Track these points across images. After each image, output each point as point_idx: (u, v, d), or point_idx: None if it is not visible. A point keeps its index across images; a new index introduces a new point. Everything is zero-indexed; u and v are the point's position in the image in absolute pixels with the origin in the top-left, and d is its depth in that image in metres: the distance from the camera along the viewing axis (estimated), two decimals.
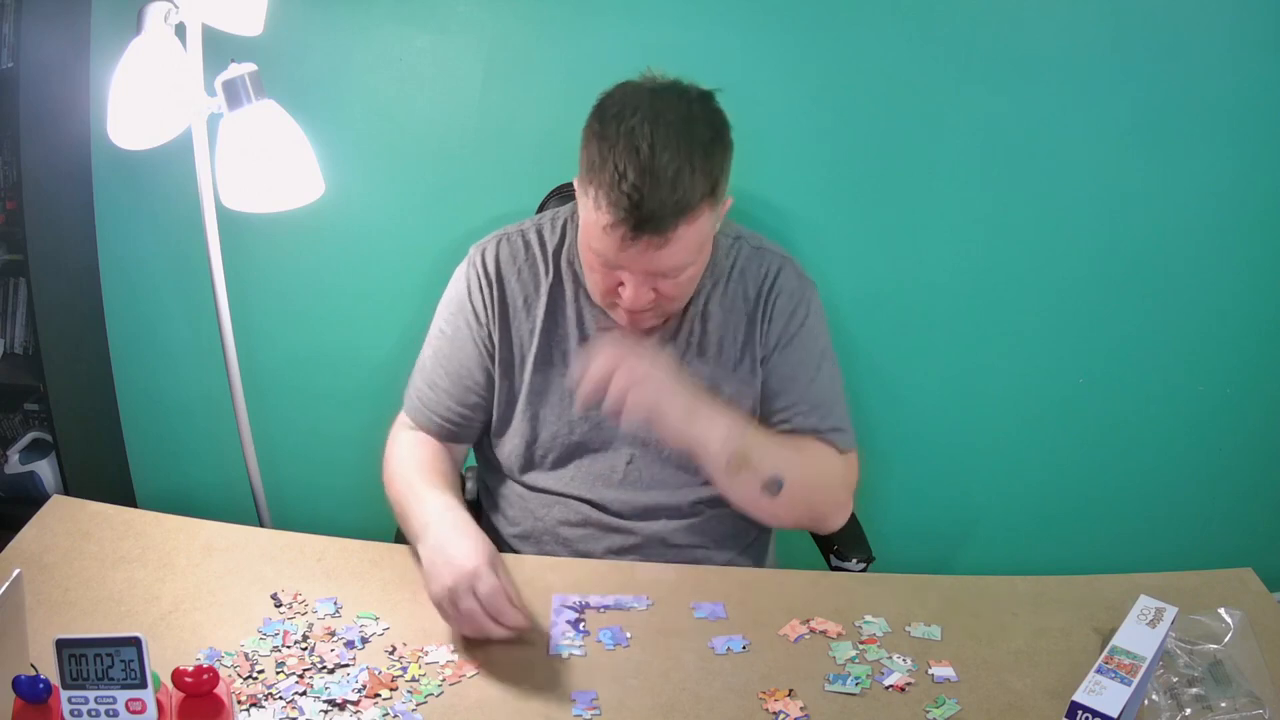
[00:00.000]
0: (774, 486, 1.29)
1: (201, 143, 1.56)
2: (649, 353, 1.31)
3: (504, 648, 1.21)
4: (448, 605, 1.20)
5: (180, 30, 1.51)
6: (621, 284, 1.29)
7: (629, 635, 1.24)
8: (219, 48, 1.54)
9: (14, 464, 2.22)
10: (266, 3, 1.52)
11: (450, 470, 1.44)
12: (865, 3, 1.80)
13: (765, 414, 1.44)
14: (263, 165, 1.49)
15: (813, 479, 1.39)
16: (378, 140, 1.96)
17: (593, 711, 1.13)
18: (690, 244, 1.26)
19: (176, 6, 1.48)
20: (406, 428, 1.48)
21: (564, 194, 1.73)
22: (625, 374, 1.22)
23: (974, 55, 1.81)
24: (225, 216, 1.61)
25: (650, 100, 1.24)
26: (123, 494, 2.26)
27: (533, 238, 1.46)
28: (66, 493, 2.03)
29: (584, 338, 1.43)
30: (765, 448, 1.32)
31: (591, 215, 1.25)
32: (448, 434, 1.46)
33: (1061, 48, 1.80)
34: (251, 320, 1.99)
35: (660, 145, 1.20)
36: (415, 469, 1.40)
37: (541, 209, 1.75)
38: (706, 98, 1.28)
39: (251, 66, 1.48)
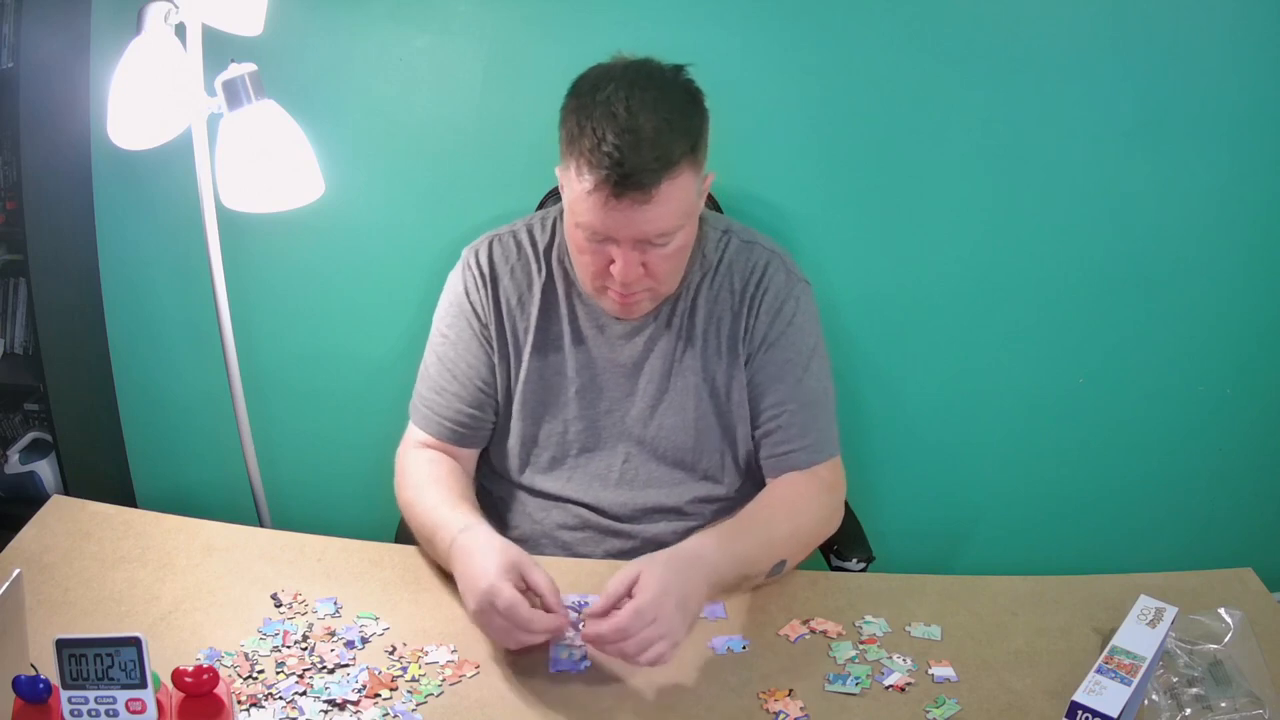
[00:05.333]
0: (777, 570, 1.32)
1: (201, 143, 1.56)
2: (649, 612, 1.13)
3: (504, 649, 1.20)
4: (482, 628, 1.20)
5: (180, 30, 1.51)
6: (612, 262, 1.29)
7: None
8: (219, 48, 1.54)
9: (14, 464, 2.22)
10: (266, 3, 1.52)
11: (465, 484, 1.42)
12: (865, 3, 1.80)
13: (754, 413, 1.44)
14: (263, 165, 1.49)
15: (802, 533, 1.37)
16: (378, 140, 1.96)
17: None
18: (675, 206, 1.26)
19: (176, 6, 1.48)
20: (415, 446, 1.45)
21: None
22: (636, 647, 1.12)
23: (974, 55, 1.81)
24: (225, 216, 1.61)
25: (624, 72, 1.27)
26: (123, 494, 2.26)
27: (524, 237, 1.46)
28: (66, 493, 2.02)
29: (577, 336, 1.43)
30: (750, 554, 1.28)
31: (575, 187, 1.25)
32: (459, 438, 1.45)
33: (1061, 48, 1.80)
34: (251, 320, 1.99)
35: (637, 107, 1.22)
36: (432, 491, 1.36)
37: (540, 209, 1.74)
38: (679, 69, 1.30)
39: (251, 66, 1.48)
